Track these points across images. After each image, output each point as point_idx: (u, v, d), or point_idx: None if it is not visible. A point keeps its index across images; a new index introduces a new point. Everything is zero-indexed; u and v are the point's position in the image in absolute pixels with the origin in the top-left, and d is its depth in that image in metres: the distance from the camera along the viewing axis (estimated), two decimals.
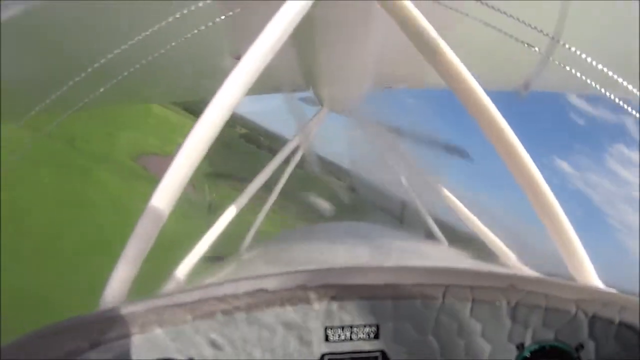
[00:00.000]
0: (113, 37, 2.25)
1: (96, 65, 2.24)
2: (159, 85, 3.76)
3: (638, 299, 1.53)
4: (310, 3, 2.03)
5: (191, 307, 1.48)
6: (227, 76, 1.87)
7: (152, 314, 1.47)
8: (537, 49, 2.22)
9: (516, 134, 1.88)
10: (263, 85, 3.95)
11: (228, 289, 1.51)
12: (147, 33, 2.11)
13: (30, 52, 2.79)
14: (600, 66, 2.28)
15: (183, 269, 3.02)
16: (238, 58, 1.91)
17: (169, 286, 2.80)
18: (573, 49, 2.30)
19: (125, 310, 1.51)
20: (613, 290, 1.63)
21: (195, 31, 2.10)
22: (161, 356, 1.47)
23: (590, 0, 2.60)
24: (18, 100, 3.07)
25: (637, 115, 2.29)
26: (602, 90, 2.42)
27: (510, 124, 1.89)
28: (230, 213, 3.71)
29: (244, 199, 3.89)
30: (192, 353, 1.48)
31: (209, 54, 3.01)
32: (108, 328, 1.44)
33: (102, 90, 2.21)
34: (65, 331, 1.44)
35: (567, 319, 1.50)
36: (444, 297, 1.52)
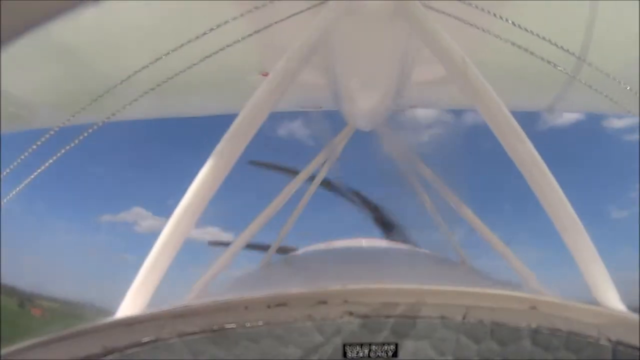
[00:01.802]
0: (142, 54, 2.29)
1: (124, 80, 2.28)
2: (187, 100, 3.81)
3: None
4: (335, 21, 2.06)
5: (210, 319, 1.49)
6: (254, 92, 1.90)
7: (169, 323, 1.49)
8: (563, 69, 2.21)
9: (541, 154, 1.88)
10: (290, 101, 3.98)
11: (248, 303, 1.52)
12: (175, 50, 2.14)
13: (59, 65, 2.85)
14: (628, 87, 2.26)
15: (205, 280, 3.03)
16: (265, 75, 1.93)
17: (190, 296, 2.81)
18: (599, 68, 2.29)
19: (142, 318, 1.53)
20: (636, 316, 1.61)
21: (225, 48, 2.12)
22: None
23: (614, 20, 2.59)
24: (44, 112, 3.13)
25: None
26: (629, 110, 2.40)
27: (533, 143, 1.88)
28: (253, 228, 3.71)
29: (267, 214, 3.90)
30: None
31: (237, 71, 3.05)
32: (123, 335, 1.46)
33: (130, 103, 2.24)
34: (80, 337, 1.45)
35: (590, 344, 1.48)
36: (464, 317, 1.51)
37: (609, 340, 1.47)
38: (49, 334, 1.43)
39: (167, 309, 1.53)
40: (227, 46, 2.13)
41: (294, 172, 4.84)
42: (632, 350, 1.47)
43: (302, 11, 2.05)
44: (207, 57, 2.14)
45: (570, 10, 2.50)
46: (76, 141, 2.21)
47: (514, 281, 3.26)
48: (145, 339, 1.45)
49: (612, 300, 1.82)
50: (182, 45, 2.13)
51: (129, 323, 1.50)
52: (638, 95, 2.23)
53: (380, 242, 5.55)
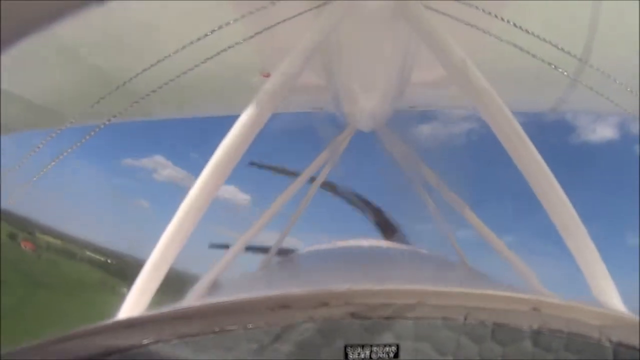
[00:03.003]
0: (144, 55, 2.30)
1: (126, 81, 2.29)
2: (189, 101, 3.82)
3: None
4: (337, 20, 2.06)
5: (210, 320, 1.49)
6: (256, 93, 1.90)
7: (169, 325, 1.48)
8: (564, 71, 2.21)
9: (542, 155, 1.88)
10: (291, 103, 3.99)
11: (249, 305, 1.52)
12: (177, 51, 2.15)
13: (62, 67, 2.86)
14: (628, 88, 2.27)
15: (205, 282, 3.03)
16: (267, 76, 1.94)
17: (191, 296, 2.81)
18: (601, 70, 2.29)
19: (143, 319, 1.53)
20: (637, 317, 1.61)
21: (226, 49, 2.13)
22: None
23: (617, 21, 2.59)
24: (48, 113, 3.14)
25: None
26: (630, 112, 2.40)
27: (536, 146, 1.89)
28: (253, 231, 3.72)
29: (267, 216, 3.90)
30: None
31: (238, 72, 3.05)
32: (124, 337, 1.45)
33: (132, 105, 2.25)
34: (81, 338, 1.45)
35: (591, 345, 1.48)
36: (465, 319, 1.51)
37: (610, 342, 1.47)
38: (48, 336, 1.43)
39: (168, 310, 1.53)
40: (229, 47, 2.14)
41: (293, 174, 4.84)
42: (633, 351, 1.47)
43: (303, 12, 2.05)
44: (208, 58, 2.15)
45: (572, 11, 2.51)
46: (78, 144, 2.22)
47: (515, 282, 3.26)
48: (146, 341, 1.44)
49: (614, 301, 1.83)
50: (184, 46, 2.13)
51: (130, 324, 1.50)
52: (639, 97, 2.24)
53: (381, 243, 5.55)
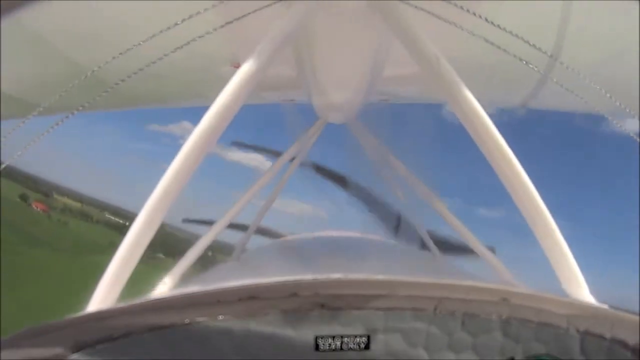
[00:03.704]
0: (113, 44, 2.26)
1: (93, 70, 2.25)
2: (158, 91, 3.78)
3: (630, 315, 1.53)
4: (309, 12, 2.05)
5: (181, 312, 1.48)
6: (225, 84, 1.89)
7: (141, 317, 1.47)
8: (535, 67, 2.23)
9: (512, 149, 1.90)
10: (261, 94, 3.97)
11: (220, 296, 1.51)
12: (145, 40, 2.11)
13: (30, 55, 2.80)
14: (599, 88, 2.30)
15: (176, 273, 3.01)
16: (237, 66, 1.92)
17: (161, 288, 2.79)
18: (570, 68, 2.32)
19: (113, 312, 1.51)
20: (605, 306, 1.64)
21: (196, 39, 2.10)
22: None
23: (587, 23, 2.63)
24: (16, 103, 3.08)
25: (637, 138, 2.30)
26: (600, 110, 2.44)
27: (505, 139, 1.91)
28: (224, 222, 3.69)
29: (239, 205, 3.88)
30: (180, 358, 1.47)
31: (208, 62, 3.02)
32: (94, 330, 1.44)
33: (99, 96, 2.21)
34: (50, 333, 1.43)
35: (559, 334, 1.50)
36: (435, 309, 1.52)
37: (578, 331, 1.50)
38: (15, 331, 1.41)
39: (138, 302, 1.52)
40: (199, 37, 2.11)
41: (276, 153, 4.82)
42: (600, 340, 1.49)
43: (275, 2, 2.03)
44: (178, 48, 2.11)
45: (544, 9, 2.53)
46: (44, 133, 2.17)
47: (485, 274, 3.30)
48: (117, 334, 1.43)
49: (582, 292, 1.86)
50: (153, 35, 2.10)
51: (100, 317, 1.48)
52: (608, 95, 2.27)
53: (352, 234, 5.58)
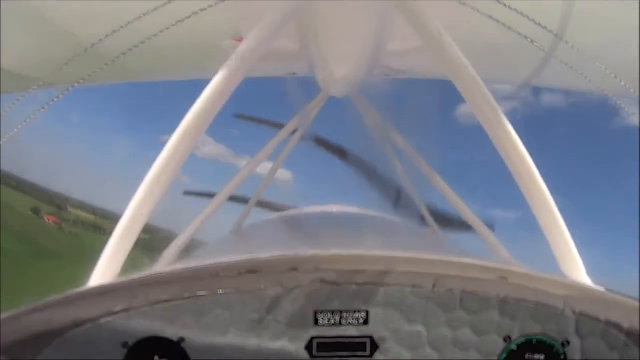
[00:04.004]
0: (114, 18, 2.24)
1: (94, 43, 2.23)
2: (158, 65, 3.75)
3: (625, 298, 1.54)
4: None
5: (181, 286, 1.49)
6: (227, 58, 1.88)
7: (141, 291, 1.48)
8: (540, 45, 2.21)
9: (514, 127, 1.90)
10: (263, 67, 3.94)
11: (219, 270, 1.52)
12: (146, 13, 2.10)
13: (29, 30, 2.78)
14: (604, 68, 2.29)
15: (175, 249, 3.02)
16: (239, 40, 1.91)
17: (161, 263, 2.81)
18: (575, 48, 2.31)
19: (114, 287, 1.52)
20: (602, 289, 1.65)
21: (198, 12, 2.08)
22: (149, 334, 1.47)
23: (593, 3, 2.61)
24: (15, 78, 3.06)
25: (637, 117, 2.30)
26: (603, 90, 2.43)
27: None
28: (223, 195, 3.70)
29: (237, 180, 3.88)
30: (180, 332, 1.49)
31: (209, 36, 3.00)
32: (95, 305, 1.45)
33: (100, 69, 2.19)
34: (52, 308, 1.44)
35: (555, 315, 1.52)
36: (434, 286, 1.53)
37: (574, 312, 1.51)
38: (18, 308, 1.42)
39: (138, 277, 1.53)
40: (201, 10, 2.09)
41: (279, 125, 4.80)
42: (595, 321, 1.51)
43: None
44: (179, 21, 2.09)
45: None
46: (44, 107, 2.16)
47: (484, 252, 3.31)
48: (118, 308, 1.44)
49: (579, 273, 1.87)
50: (155, 9, 2.08)
51: (101, 292, 1.49)
52: (613, 75, 2.26)
53: (351, 209, 5.58)
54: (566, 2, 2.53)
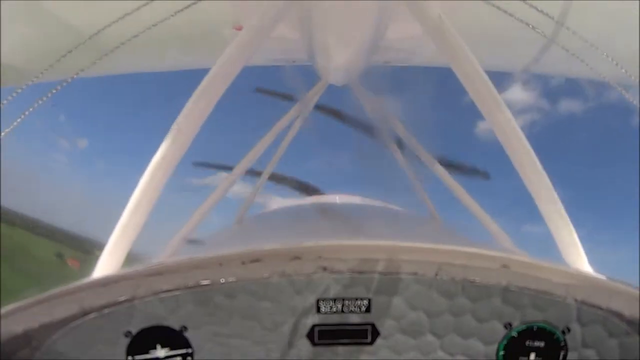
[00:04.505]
0: (113, 8, 2.23)
1: (94, 34, 2.22)
2: (161, 55, 3.74)
3: (627, 287, 1.54)
4: None
5: (184, 276, 1.49)
6: (227, 46, 1.87)
7: (145, 281, 1.48)
8: (541, 31, 2.21)
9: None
10: (262, 55, 3.93)
11: (223, 260, 1.52)
12: (146, 3, 2.09)
13: (29, 21, 2.77)
14: (605, 55, 2.28)
15: (178, 239, 3.02)
16: (239, 29, 1.90)
17: (164, 254, 2.81)
18: (576, 33, 2.30)
19: (118, 277, 1.53)
20: (603, 277, 1.64)
21: (197, 1, 2.07)
22: (154, 324, 1.48)
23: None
24: (12, 69, 3.05)
25: (637, 103, 2.29)
26: (603, 77, 2.42)
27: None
28: (226, 185, 3.70)
29: (237, 172, 3.88)
30: (183, 321, 1.49)
31: (210, 24, 2.99)
32: (100, 295, 1.45)
33: (100, 59, 2.19)
34: (58, 298, 1.45)
35: (557, 303, 1.52)
36: (436, 274, 1.53)
37: (575, 300, 1.51)
38: (24, 298, 1.43)
39: (142, 268, 1.54)
40: (199, 0, 2.08)
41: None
42: (596, 309, 1.51)
43: None
44: (179, 11, 2.09)
45: None
46: (44, 98, 2.15)
47: (486, 240, 3.32)
48: (122, 298, 1.45)
49: (581, 262, 1.88)
50: None
51: (105, 283, 1.50)
52: (615, 63, 2.25)
53: (353, 199, 5.59)
54: None
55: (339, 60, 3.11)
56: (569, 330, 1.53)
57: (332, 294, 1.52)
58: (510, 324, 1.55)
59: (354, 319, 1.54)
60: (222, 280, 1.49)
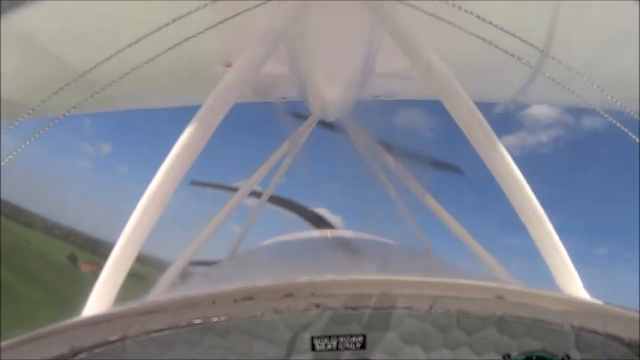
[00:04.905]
0: (105, 44, 2.25)
1: (86, 71, 2.23)
2: (152, 92, 3.76)
3: (625, 310, 1.54)
4: (301, 10, 2.05)
5: (176, 315, 1.48)
6: (217, 83, 1.88)
7: (136, 320, 1.46)
8: (526, 61, 2.24)
9: (504, 145, 1.90)
10: (252, 92, 3.96)
11: (215, 297, 1.51)
12: (137, 41, 2.11)
13: (21, 56, 2.78)
14: (591, 83, 2.31)
15: (171, 274, 3.00)
16: (229, 66, 1.92)
17: (156, 291, 2.78)
18: (562, 63, 2.33)
19: (108, 316, 1.51)
20: (599, 302, 1.64)
21: (188, 39, 2.09)
22: None
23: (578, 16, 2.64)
24: (7, 105, 3.05)
25: (633, 134, 2.31)
26: (591, 104, 2.45)
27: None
28: (218, 219, 3.69)
29: (232, 205, 3.88)
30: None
31: (200, 62, 3.01)
32: (90, 335, 1.43)
33: (91, 96, 2.20)
34: (47, 337, 1.43)
35: (554, 330, 1.51)
36: (431, 307, 1.52)
37: (572, 327, 1.50)
38: (13, 336, 1.41)
39: (133, 306, 1.51)
40: (191, 37, 2.10)
41: (235, 190, 4.78)
42: (594, 335, 1.50)
43: (267, 1, 2.03)
44: (170, 48, 2.11)
45: (534, 5, 2.54)
46: (36, 136, 2.16)
47: (480, 270, 3.31)
48: (113, 338, 1.43)
49: (576, 288, 1.87)
50: (145, 35, 2.09)
51: (96, 322, 1.48)
52: (600, 89, 2.28)
53: (345, 233, 5.58)
54: (552, 18, 2.56)
55: (328, 96, 3.15)
56: (568, 357, 1.52)
57: (326, 331, 1.51)
58: (509, 355, 1.54)
59: (351, 356, 1.53)
60: (214, 319, 1.47)
